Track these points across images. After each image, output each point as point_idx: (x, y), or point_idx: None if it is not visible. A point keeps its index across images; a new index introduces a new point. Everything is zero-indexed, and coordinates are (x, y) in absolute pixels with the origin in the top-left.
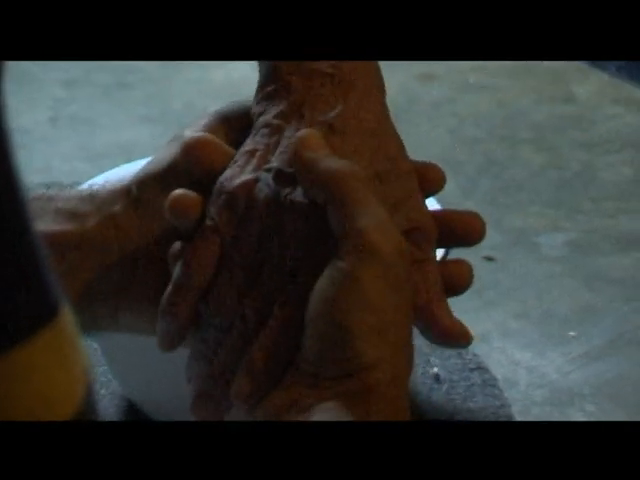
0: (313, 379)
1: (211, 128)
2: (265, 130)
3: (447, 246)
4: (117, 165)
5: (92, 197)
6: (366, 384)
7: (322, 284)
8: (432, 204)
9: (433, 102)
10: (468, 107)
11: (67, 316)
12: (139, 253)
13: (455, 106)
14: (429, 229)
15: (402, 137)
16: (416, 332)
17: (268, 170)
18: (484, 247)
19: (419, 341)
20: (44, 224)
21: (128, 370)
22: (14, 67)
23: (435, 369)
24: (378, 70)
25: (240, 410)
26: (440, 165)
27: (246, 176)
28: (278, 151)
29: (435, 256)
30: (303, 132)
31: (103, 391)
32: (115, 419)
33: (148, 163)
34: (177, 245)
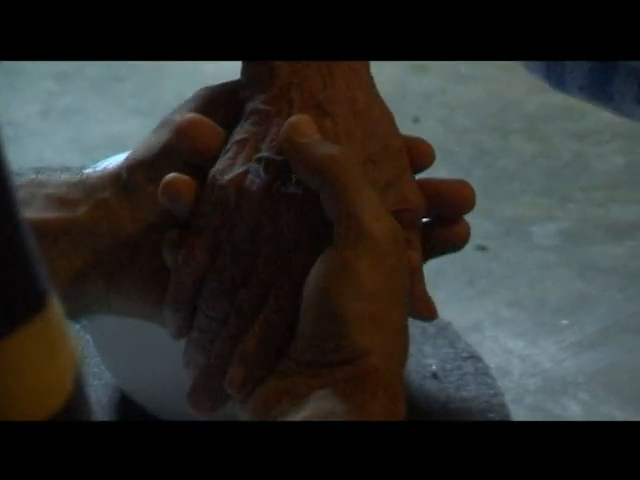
0: (308, 367)
1: (199, 110)
2: (254, 117)
3: (439, 215)
4: (109, 157)
5: (82, 183)
6: (361, 371)
7: (316, 272)
8: None
9: (424, 92)
10: (459, 97)
11: (56, 306)
12: (130, 238)
13: (446, 96)
14: (417, 209)
15: None
16: (410, 321)
17: (259, 160)
18: (477, 236)
19: (412, 330)
20: (34, 210)
21: (121, 361)
22: (4, 61)
23: (433, 367)
24: None
25: (235, 399)
26: None
27: (237, 170)
28: (268, 139)
29: (419, 237)
30: (294, 118)
31: (96, 382)
32: (108, 410)
33: (137, 148)
34: (172, 233)
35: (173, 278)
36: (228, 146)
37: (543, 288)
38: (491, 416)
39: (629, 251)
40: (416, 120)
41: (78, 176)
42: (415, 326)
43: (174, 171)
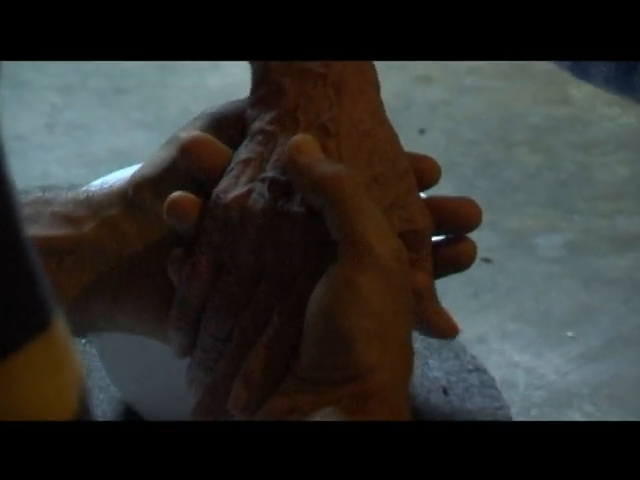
0: (312, 385)
1: (206, 129)
2: (260, 137)
3: (444, 233)
4: (114, 170)
5: (88, 200)
6: (366, 389)
7: (320, 290)
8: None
9: (429, 104)
10: (464, 109)
11: (60, 324)
12: (136, 256)
13: (451, 108)
14: (424, 230)
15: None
16: (414, 335)
17: (263, 180)
18: (481, 249)
19: (417, 343)
20: (41, 228)
21: (126, 375)
22: (10, 74)
23: (444, 381)
24: (371, 66)
25: (239, 418)
26: None
27: (240, 189)
28: (272, 159)
29: (430, 256)
30: (297, 137)
31: (102, 396)
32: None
33: (144, 166)
34: (177, 251)
35: (177, 296)
36: (232, 165)
37: (548, 300)
38: (479, 407)
39: (633, 263)
40: (421, 132)
41: (84, 194)
42: (420, 339)
43: (180, 189)
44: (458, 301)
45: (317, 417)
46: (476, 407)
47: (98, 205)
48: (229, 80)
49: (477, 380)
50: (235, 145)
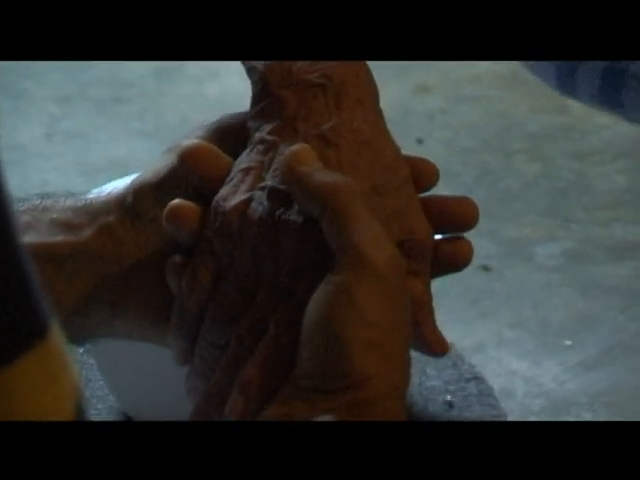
0: (309, 393)
1: (206, 138)
2: (260, 147)
3: (442, 232)
4: (112, 179)
5: (87, 207)
6: (363, 398)
7: (318, 299)
8: None
9: (427, 113)
10: (462, 118)
11: (57, 334)
12: (135, 263)
13: (449, 117)
14: (424, 240)
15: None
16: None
17: (262, 189)
18: (480, 257)
19: (415, 352)
20: (39, 235)
21: (124, 384)
22: (8, 85)
23: (448, 397)
24: (370, 76)
25: None
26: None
27: (240, 197)
28: (272, 168)
29: (428, 268)
30: (295, 147)
31: (100, 405)
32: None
33: (143, 172)
34: (176, 258)
35: (176, 304)
36: (233, 174)
37: (546, 308)
38: (478, 415)
39: (631, 271)
40: (420, 141)
41: (83, 201)
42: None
43: (179, 196)
44: (456, 309)
45: None
46: (474, 416)
47: (96, 212)
48: (227, 89)
49: (475, 389)
50: (236, 155)
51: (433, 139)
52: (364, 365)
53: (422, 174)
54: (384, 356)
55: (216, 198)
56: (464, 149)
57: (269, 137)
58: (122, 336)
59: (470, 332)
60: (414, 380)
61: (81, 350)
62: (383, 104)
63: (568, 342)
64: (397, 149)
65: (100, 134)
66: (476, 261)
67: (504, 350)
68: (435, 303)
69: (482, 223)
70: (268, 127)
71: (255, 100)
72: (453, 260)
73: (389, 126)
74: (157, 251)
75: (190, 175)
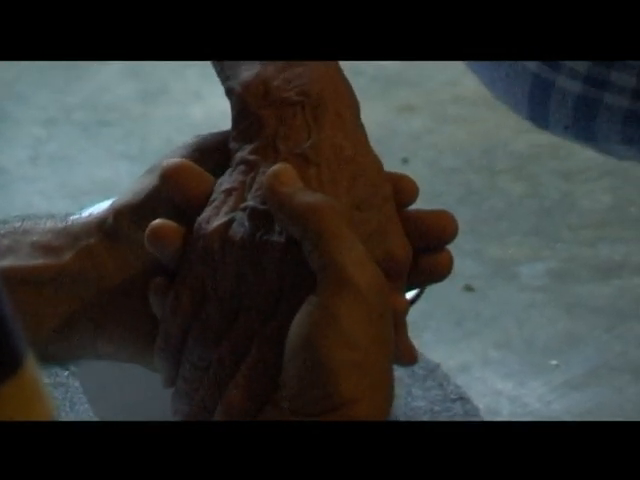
0: (292, 415)
1: (188, 157)
2: (242, 167)
3: (421, 245)
4: (96, 202)
5: (67, 230)
6: (346, 419)
7: (300, 321)
8: None
9: (412, 134)
10: (447, 138)
11: (31, 365)
12: (117, 284)
13: (434, 137)
14: (403, 259)
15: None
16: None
17: (244, 209)
18: (464, 277)
19: (401, 372)
20: (20, 258)
21: (109, 407)
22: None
23: (427, 414)
24: (349, 89)
25: None
26: (420, 196)
27: (221, 219)
28: (254, 188)
29: (404, 283)
30: (276, 167)
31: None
32: None
33: (124, 193)
34: (159, 280)
35: (161, 327)
36: (215, 195)
37: (531, 328)
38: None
39: (617, 291)
40: (405, 161)
41: (63, 223)
42: (404, 368)
43: (161, 217)
44: (441, 330)
45: None
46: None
47: (77, 234)
48: (211, 111)
49: (461, 409)
50: (218, 175)
51: (418, 159)
52: (347, 387)
53: (402, 190)
54: (367, 378)
55: (198, 220)
56: (449, 169)
57: (250, 157)
58: (106, 357)
59: (455, 352)
60: (400, 401)
61: (66, 373)
62: (368, 125)
63: (553, 362)
64: (379, 164)
65: (84, 157)
66: (461, 281)
67: (489, 370)
68: (420, 324)
69: (466, 243)
70: (249, 147)
71: (235, 121)
72: (434, 271)
73: (374, 146)
74: (139, 273)
75: (172, 194)
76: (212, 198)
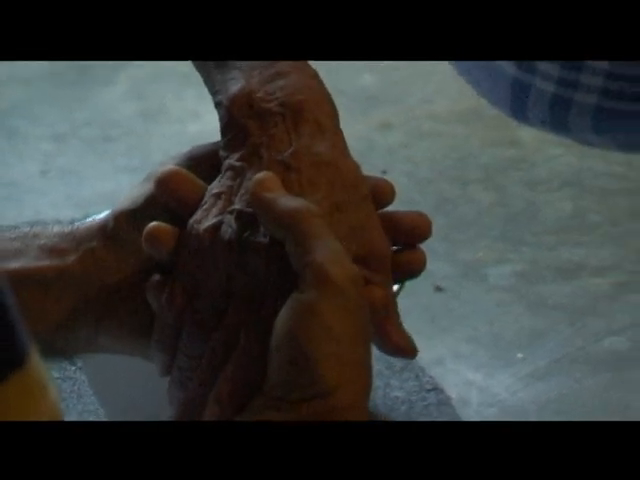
0: (279, 403)
1: (182, 165)
2: (229, 173)
3: (398, 244)
4: (101, 212)
5: (72, 234)
6: (329, 406)
7: (284, 315)
8: None
9: (390, 148)
10: (422, 152)
11: (36, 361)
12: (117, 283)
13: (410, 151)
14: (383, 254)
15: None
16: (376, 355)
17: (231, 212)
18: (437, 277)
19: (380, 365)
20: (29, 260)
21: (113, 398)
22: (3, 125)
23: (405, 403)
24: (328, 98)
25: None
26: (398, 205)
27: (211, 220)
28: (240, 193)
29: (390, 276)
30: (260, 175)
31: (91, 418)
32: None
33: (123, 200)
34: (155, 277)
35: (157, 321)
36: (206, 198)
37: (499, 325)
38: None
39: (576, 290)
40: (384, 172)
41: (69, 228)
42: (382, 361)
43: (157, 220)
44: (417, 327)
45: None
46: (432, 415)
47: (81, 238)
48: (207, 127)
49: (435, 399)
50: (209, 181)
51: (395, 171)
52: (330, 377)
53: (380, 192)
54: (348, 366)
55: (191, 221)
56: (424, 180)
57: (237, 164)
58: (107, 350)
59: (430, 347)
60: (379, 392)
61: (73, 367)
62: (349, 139)
63: (519, 355)
64: (357, 167)
65: (91, 170)
66: (434, 282)
67: (461, 363)
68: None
69: (440, 247)
70: (236, 155)
71: (223, 132)
72: (410, 268)
73: (356, 158)
74: (137, 271)
75: (167, 198)
76: (203, 201)
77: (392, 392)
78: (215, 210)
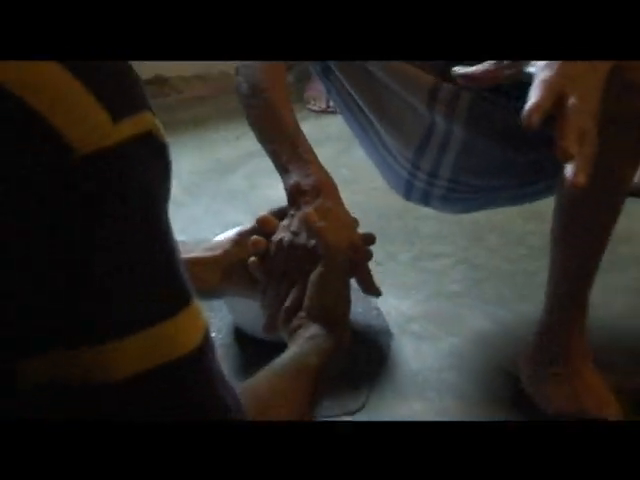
0: (310, 316)
1: (271, 215)
2: (289, 215)
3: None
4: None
5: (216, 241)
6: (334, 318)
7: (313, 278)
8: None
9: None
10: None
11: (195, 300)
12: (236, 263)
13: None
14: (362, 250)
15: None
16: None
17: (290, 232)
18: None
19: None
20: (197, 253)
21: (235, 309)
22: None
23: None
24: (332, 182)
25: (281, 328)
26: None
27: (280, 235)
28: (294, 224)
29: (365, 256)
30: (307, 211)
31: (220, 315)
32: (225, 336)
33: (231, 233)
34: (254, 259)
35: (260, 286)
36: (280, 227)
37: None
38: (374, 323)
39: None
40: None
41: (212, 241)
42: (362, 297)
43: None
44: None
45: (311, 328)
46: (371, 317)
47: (221, 243)
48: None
49: (376, 313)
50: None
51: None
52: (338, 305)
53: (366, 237)
54: (342, 301)
55: (272, 237)
56: None
57: (291, 211)
58: (232, 295)
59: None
60: (362, 307)
61: (217, 302)
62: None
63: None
64: (351, 217)
65: None
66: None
67: (393, 297)
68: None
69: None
70: (292, 208)
71: (289, 203)
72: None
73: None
74: (245, 259)
75: (261, 228)
76: (278, 229)
77: (356, 309)
78: (282, 232)
